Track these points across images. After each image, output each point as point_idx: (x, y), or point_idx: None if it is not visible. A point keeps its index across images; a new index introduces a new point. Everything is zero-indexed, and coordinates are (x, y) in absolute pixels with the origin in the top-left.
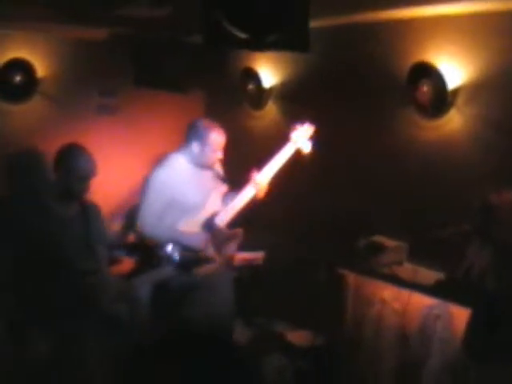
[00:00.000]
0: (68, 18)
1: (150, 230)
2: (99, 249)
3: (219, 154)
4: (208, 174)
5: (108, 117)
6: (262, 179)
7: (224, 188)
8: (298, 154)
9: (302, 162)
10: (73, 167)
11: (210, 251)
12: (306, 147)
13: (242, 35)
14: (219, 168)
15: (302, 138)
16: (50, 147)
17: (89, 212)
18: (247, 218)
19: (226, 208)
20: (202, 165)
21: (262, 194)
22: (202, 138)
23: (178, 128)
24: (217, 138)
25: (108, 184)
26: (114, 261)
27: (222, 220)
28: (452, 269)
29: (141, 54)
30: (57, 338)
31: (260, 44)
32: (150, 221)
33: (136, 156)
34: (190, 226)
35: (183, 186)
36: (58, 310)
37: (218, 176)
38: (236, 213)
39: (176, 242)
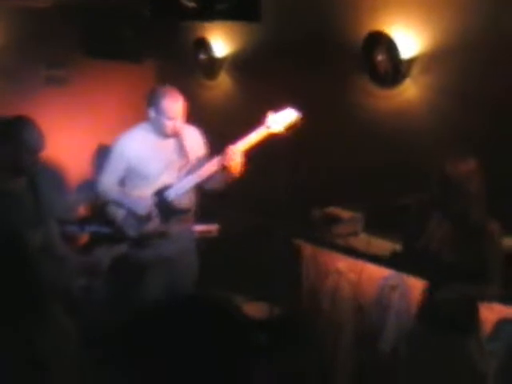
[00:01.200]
0: None
1: (103, 191)
2: (51, 223)
3: (176, 122)
4: (170, 145)
5: (57, 88)
6: (235, 151)
7: (185, 160)
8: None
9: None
10: (21, 140)
11: (155, 221)
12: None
13: (190, 5)
14: (188, 138)
15: (278, 123)
16: None
17: (38, 185)
18: (202, 189)
19: (182, 181)
20: (160, 133)
21: (235, 170)
22: (156, 105)
23: (130, 98)
24: (171, 105)
25: (58, 157)
26: (67, 236)
27: (176, 193)
28: (410, 239)
29: (90, 23)
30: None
31: (208, 14)
32: (105, 183)
33: (87, 128)
34: (145, 195)
35: (141, 155)
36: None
37: (180, 147)
38: (192, 186)
39: (120, 204)
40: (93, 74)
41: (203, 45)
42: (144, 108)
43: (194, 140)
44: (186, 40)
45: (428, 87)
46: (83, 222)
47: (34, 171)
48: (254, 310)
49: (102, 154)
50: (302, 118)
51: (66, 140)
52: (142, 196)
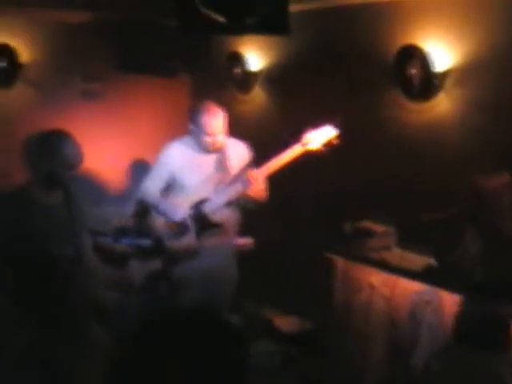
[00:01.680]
0: (50, 1)
1: (144, 194)
2: (84, 236)
3: (215, 138)
4: (210, 159)
5: (92, 102)
6: (256, 177)
7: (225, 174)
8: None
9: None
10: (58, 154)
11: (191, 234)
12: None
13: (219, 19)
14: (232, 152)
15: (315, 140)
16: (33, 133)
17: (73, 199)
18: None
19: (217, 196)
20: (200, 148)
21: (256, 192)
22: (196, 121)
23: (165, 113)
24: (209, 121)
25: (94, 171)
26: (101, 248)
27: (211, 207)
28: (445, 254)
29: (125, 37)
30: (43, 327)
31: (237, 28)
32: (148, 187)
33: (121, 142)
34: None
35: (182, 166)
36: (43, 301)
37: (221, 161)
38: (224, 202)
39: (157, 209)
40: (127, 89)
41: (237, 59)
42: (178, 122)
43: (239, 155)
44: (220, 54)
45: (461, 100)
46: (118, 233)
47: (70, 185)
48: (286, 323)
49: (137, 169)
50: (338, 136)
51: (100, 153)
52: (179, 204)
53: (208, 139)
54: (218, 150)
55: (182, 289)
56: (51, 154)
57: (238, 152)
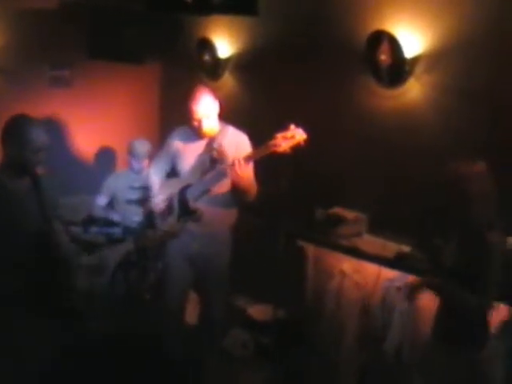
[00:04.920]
0: None
1: (148, 174)
2: (55, 224)
3: (202, 123)
4: (202, 145)
5: (61, 89)
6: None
7: (215, 162)
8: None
9: None
10: (26, 139)
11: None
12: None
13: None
14: (225, 140)
15: (285, 143)
16: (2, 122)
17: (42, 185)
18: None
19: (200, 183)
20: (194, 133)
21: (236, 178)
22: (187, 106)
23: (133, 100)
24: (194, 105)
25: (63, 158)
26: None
27: (193, 194)
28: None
29: (95, 24)
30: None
31: (206, 8)
32: (151, 168)
33: (90, 129)
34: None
35: (180, 150)
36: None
37: (212, 148)
38: (205, 189)
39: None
40: (96, 75)
41: (207, 45)
42: (146, 109)
43: (233, 143)
44: (189, 41)
45: (431, 86)
46: (87, 223)
47: (37, 171)
48: (259, 312)
49: (105, 156)
50: (306, 139)
51: (68, 141)
52: (168, 187)
53: (195, 123)
54: (209, 135)
55: (171, 270)
56: (16, 138)
57: (234, 140)
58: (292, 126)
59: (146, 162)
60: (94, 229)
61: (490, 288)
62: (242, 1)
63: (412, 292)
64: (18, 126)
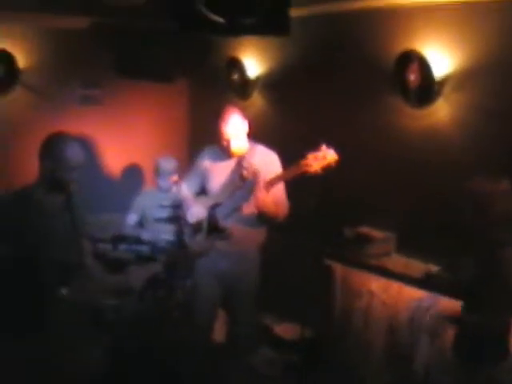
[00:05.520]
0: (47, 6)
1: (179, 189)
2: (84, 242)
3: (231, 143)
4: (231, 165)
5: (91, 107)
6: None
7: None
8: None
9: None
10: (61, 156)
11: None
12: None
13: (218, 20)
14: (255, 159)
15: (316, 163)
16: (34, 139)
17: (74, 203)
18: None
19: (229, 202)
20: (224, 152)
21: (258, 203)
22: (215, 126)
23: (162, 118)
24: (223, 125)
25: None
26: (100, 255)
27: (222, 212)
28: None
29: (124, 43)
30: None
31: (237, 28)
32: (183, 185)
33: (119, 147)
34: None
35: (209, 169)
36: (43, 305)
37: (241, 168)
38: (235, 208)
39: (180, 204)
40: (125, 94)
41: (236, 65)
42: (175, 128)
43: (263, 161)
44: (218, 60)
45: (460, 106)
46: (116, 240)
47: (72, 188)
48: (286, 330)
49: (133, 174)
50: (338, 159)
51: (99, 159)
52: (199, 206)
53: (224, 143)
54: (238, 155)
55: (200, 287)
56: (53, 156)
57: (263, 159)
58: (323, 147)
59: (173, 180)
60: (123, 246)
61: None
62: (274, 21)
63: None
64: (55, 143)
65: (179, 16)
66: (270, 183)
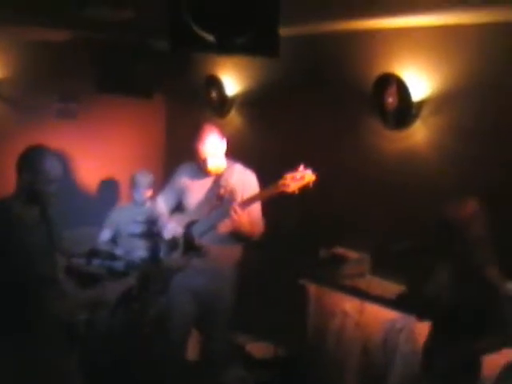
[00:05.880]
0: (27, 18)
1: (155, 202)
2: (58, 255)
3: (208, 161)
4: (208, 182)
5: (68, 121)
6: (236, 210)
7: (222, 199)
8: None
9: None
10: (40, 169)
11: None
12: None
13: (210, 38)
14: (232, 178)
15: (294, 184)
16: (9, 150)
17: (51, 216)
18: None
19: (205, 220)
20: (200, 170)
21: (235, 224)
22: (192, 144)
23: (138, 133)
24: (199, 144)
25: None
26: (74, 270)
27: (198, 230)
28: (416, 283)
29: (103, 58)
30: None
31: (228, 47)
32: (157, 200)
33: (96, 161)
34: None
35: (186, 185)
36: (13, 319)
37: (218, 186)
38: (211, 226)
39: (155, 219)
40: (103, 109)
41: (214, 82)
42: (151, 143)
43: (240, 180)
44: (197, 77)
45: (437, 129)
46: (90, 255)
47: (48, 201)
48: (259, 349)
49: (108, 188)
50: (315, 179)
51: (73, 172)
52: (175, 223)
53: (201, 161)
54: (215, 173)
55: (175, 304)
56: (32, 168)
57: (242, 178)
58: (301, 167)
59: (148, 194)
60: (96, 261)
61: (498, 328)
62: (265, 42)
63: None
64: (34, 156)
65: (170, 33)
66: (247, 202)
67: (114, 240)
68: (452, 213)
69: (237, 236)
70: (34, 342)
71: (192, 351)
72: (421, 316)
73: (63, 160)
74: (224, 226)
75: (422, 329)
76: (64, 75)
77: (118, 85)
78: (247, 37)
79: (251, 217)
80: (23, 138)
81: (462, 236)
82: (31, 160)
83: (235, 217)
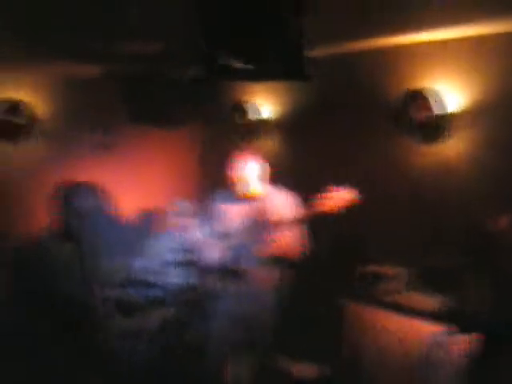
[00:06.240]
0: (59, 55)
1: (192, 231)
2: (95, 288)
3: (243, 187)
4: (246, 208)
5: (103, 154)
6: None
7: (262, 224)
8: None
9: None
10: (73, 204)
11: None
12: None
13: (237, 65)
14: (272, 202)
15: (333, 203)
16: (47, 187)
17: (86, 250)
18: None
19: (240, 245)
20: (236, 195)
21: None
22: (226, 170)
23: (173, 162)
24: (235, 169)
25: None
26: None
27: (235, 255)
28: (452, 297)
29: (136, 90)
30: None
31: (256, 74)
32: (195, 225)
33: (131, 191)
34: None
35: (223, 212)
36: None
37: (258, 211)
38: (248, 250)
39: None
40: (137, 140)
41: (244, 108)
42: (186, 171)
43: (276, 204)
44: (227, 104)
45: (470, 142)
46: (128, 284)
47: (82, 235)
48: (302, 370)
49: (147, 219)
50: (351, 198)
51: (109, 204)
52: (212, 249)
53: (236, 187)
54: (250, 198)
55: (216, 330)
56: (64, 204)
57: (278, 201)
58: (336, 187)
59: (186, 223)
60: (134, 290)
61: None
62: (293, 67)
63: None
64: (65, 192)
65: (202, 64)
66: (286, 224)
67: (150, 268)
68: (493, 224)
69: (276, 257)
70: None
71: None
72: (463, 330)
73: (97, 193)
74: (262, 249)
75: (464, 342)
76: (98, 109)
77: (151, 116)
78: (276, 63)
79: (289, 238)
80: (59, 172)
81: (504, 248)
82: (63, 196)
83: (275, 238)
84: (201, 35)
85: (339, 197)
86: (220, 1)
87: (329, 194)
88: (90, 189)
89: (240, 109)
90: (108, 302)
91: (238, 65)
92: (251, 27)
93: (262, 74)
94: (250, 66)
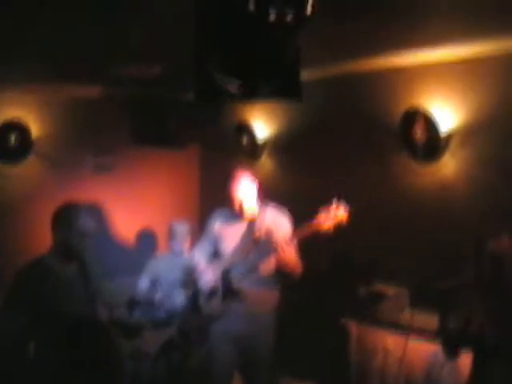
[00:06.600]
0: (60, 76)
1: (192, 257)
2: (100, 308)
3: (242, 206)
4: (244, 226)
5: (104, 175)
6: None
7: (258, 243)
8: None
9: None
10: (73, 225)
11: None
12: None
13: (233, 87)
14: (268, 221)
15: (328, 222)
16: (46, 208)
17: (88, 270)
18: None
19: (244, 263)
20: (234, 216)
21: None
22: (226, 189)
23: (174, 183)
24: (233, 188)
25: (105, 243)
26: (116, 321)
27: (236, 273)
28: (453, 317)
29: (136, 112)
30: None
31: (251, 95)
32: (194, 250)
33: (132, 212)
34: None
35: (221, 233)
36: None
37: (254, 230)
38: (248, 270)
39: (193, 269)
40: (138, 161)
41: (245, 128)
42: (186, 192)
43: (274, 223)
44: (227, 125)
45: (466, 161)
46: (130, 305)
47: (84, 255)
48: None
49: (146, 239)
50: (348, 216)
51: (111, 225)
52: (212, 271)
53: (235, 206)
54: (250, 218)
55: (216, 352)
56: (65, 225)
57: (275, 221)
58: (334, 205)
59: (186, 243)
60: (137, 312)
61: None
62: (288, 87)
63: None
64: (67, 213)
65: (195, 86)
66: (284, 243)
67: (152, 289)
68: (496, 245)
69: (280, 276)
70: None
71: None
72: (464, 349)
73: (98, 214)
74: (267, 265)
75: (466, 361)
76: (99, 130)
77: (152, 137)
78: (270, 84)
79: (288, 258)
80: (60, 194)
81: (506, 268)
82: (64, 217)
83: (281, 252)
84: (198, 58)
85: (337, 216)
86: (217, 24)
87: (326, 214)
88: (92, 209)
89: (240, 130)
90: (113, 323)
91: (233, 87)
92: (249, 49)
93: (256, 95)
94: (244, 89)
